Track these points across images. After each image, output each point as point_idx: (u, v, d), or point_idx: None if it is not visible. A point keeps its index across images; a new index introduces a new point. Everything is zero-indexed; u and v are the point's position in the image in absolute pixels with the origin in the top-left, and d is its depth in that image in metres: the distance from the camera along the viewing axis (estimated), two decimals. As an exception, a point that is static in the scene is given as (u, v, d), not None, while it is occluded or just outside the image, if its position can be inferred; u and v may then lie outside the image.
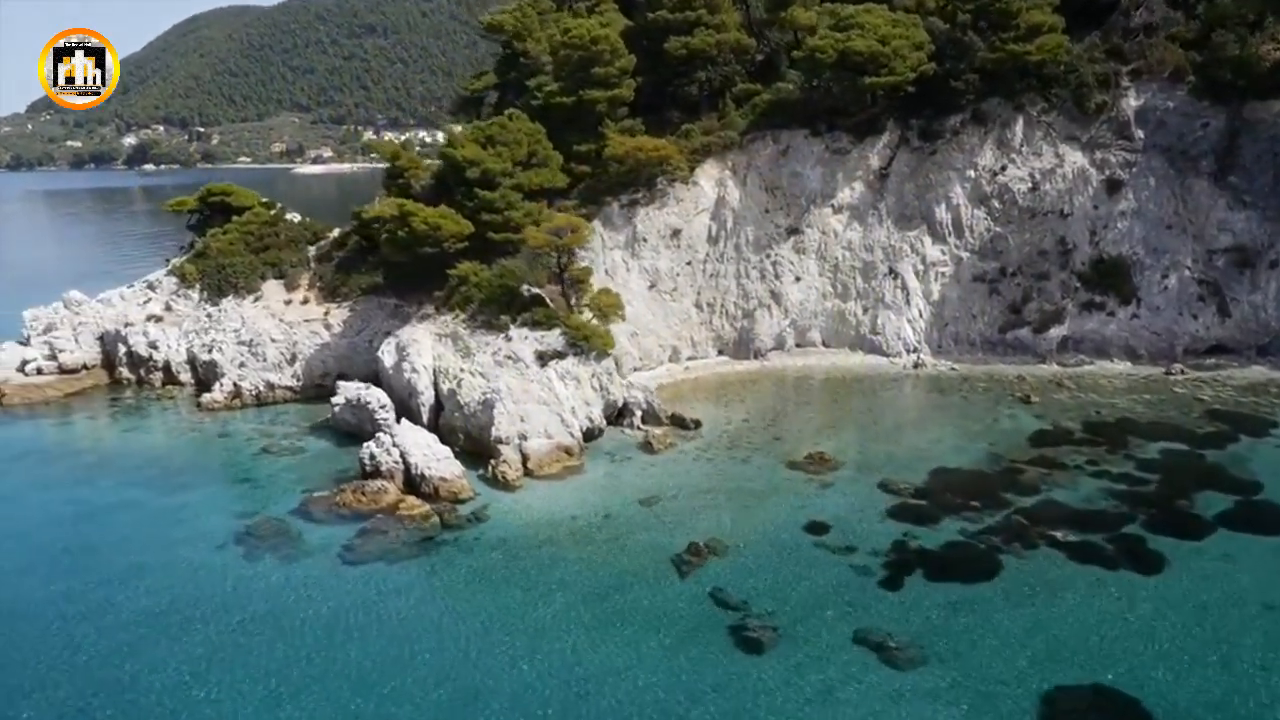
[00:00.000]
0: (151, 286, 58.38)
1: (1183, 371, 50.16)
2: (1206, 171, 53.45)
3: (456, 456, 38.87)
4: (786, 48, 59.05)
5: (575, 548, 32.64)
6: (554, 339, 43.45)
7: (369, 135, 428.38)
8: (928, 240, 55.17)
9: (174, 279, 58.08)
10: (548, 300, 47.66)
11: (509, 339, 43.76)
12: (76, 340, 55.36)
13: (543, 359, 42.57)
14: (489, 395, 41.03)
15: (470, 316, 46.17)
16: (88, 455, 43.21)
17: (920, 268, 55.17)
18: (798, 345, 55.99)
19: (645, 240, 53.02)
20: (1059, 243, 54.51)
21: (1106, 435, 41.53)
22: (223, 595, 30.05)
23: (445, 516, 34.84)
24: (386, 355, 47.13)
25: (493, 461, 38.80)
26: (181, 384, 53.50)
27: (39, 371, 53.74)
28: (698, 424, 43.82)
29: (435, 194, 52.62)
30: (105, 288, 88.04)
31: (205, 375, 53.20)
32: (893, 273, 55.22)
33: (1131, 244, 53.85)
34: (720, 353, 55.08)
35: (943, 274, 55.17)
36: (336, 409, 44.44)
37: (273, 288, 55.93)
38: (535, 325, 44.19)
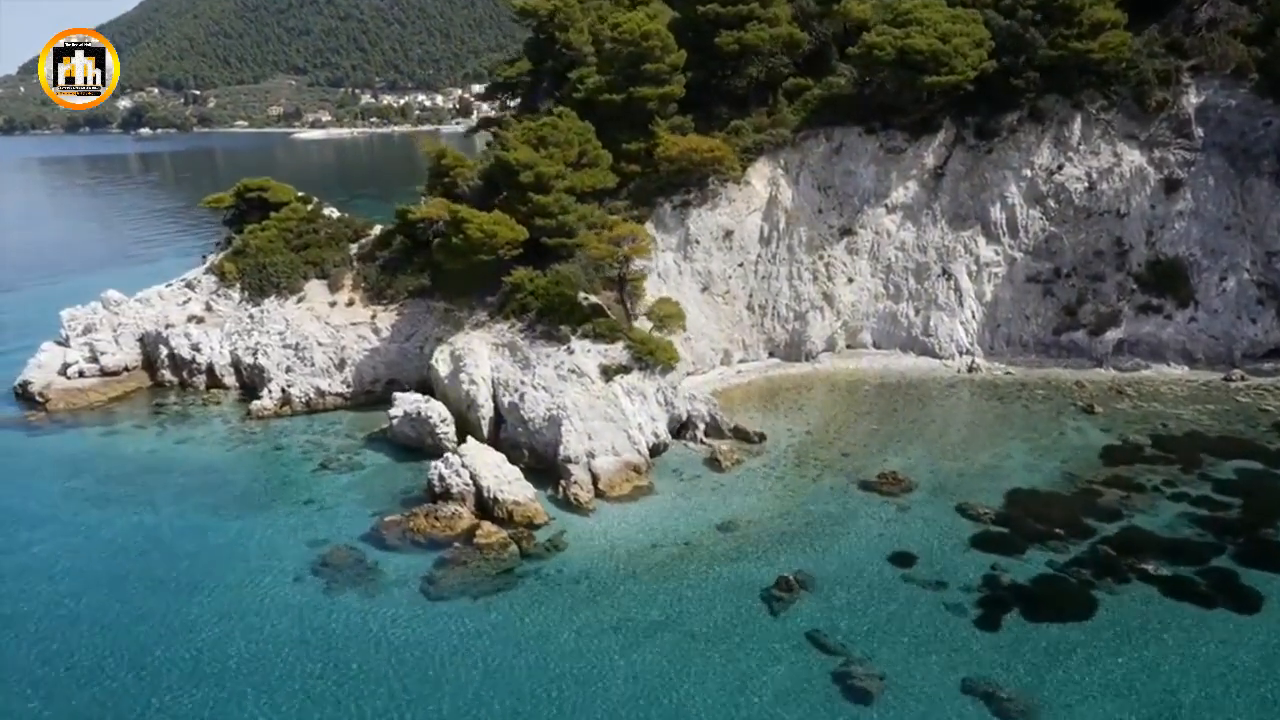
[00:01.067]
0: (190, 285, 57.31)
1: (1243, 378, 49.59)
2: (1268, 171, 52.46)
3: (524, 474, 38.41)
4: (835, 38, 57.58)
5: (662, 581, 32.19)
6: (618, 352, 42.72)
7: (367, 98, 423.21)
8: (981, 240, 54.29)
9: (213, 278, 57.01)
10: (605, 308, 46.90)
11: (571, 351, 42.99)
12: (117, 342, 54.48)
13: (607, 373, 41.87)
14: (555, 412, 40.42)
15: (528, 326, 45.35)
16: (142, 471, 42.44)
17: (974, 268, 54.35)
18: (848, 347, 55.37)
19: (698, 242, 52.06)
20: (1115, 243, 53.67)
21: (1177, 452, 41.07)
22: (309, 637, 29.61)
23: (523, 544, 34.40)
24: (441, 364, 46.40)
25: (563, 482, 38.30)
26: (226, 387, 52.78)
27: (81, 374, 52.93)
28: (762, 437, 43.29)
29: (483, 195, 51.54)
30: (126, 273, 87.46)
31: (250, 379, 52.48)
32: (946, 273, 54.41)
33: (1189, 245, 53.03)
34: (771, 355, 54.43)
35: (995, 274, 54.38)
36: (394, 421, 43.79)
37: (315, 288, 54.93)
38: (597, 337, 43.42)
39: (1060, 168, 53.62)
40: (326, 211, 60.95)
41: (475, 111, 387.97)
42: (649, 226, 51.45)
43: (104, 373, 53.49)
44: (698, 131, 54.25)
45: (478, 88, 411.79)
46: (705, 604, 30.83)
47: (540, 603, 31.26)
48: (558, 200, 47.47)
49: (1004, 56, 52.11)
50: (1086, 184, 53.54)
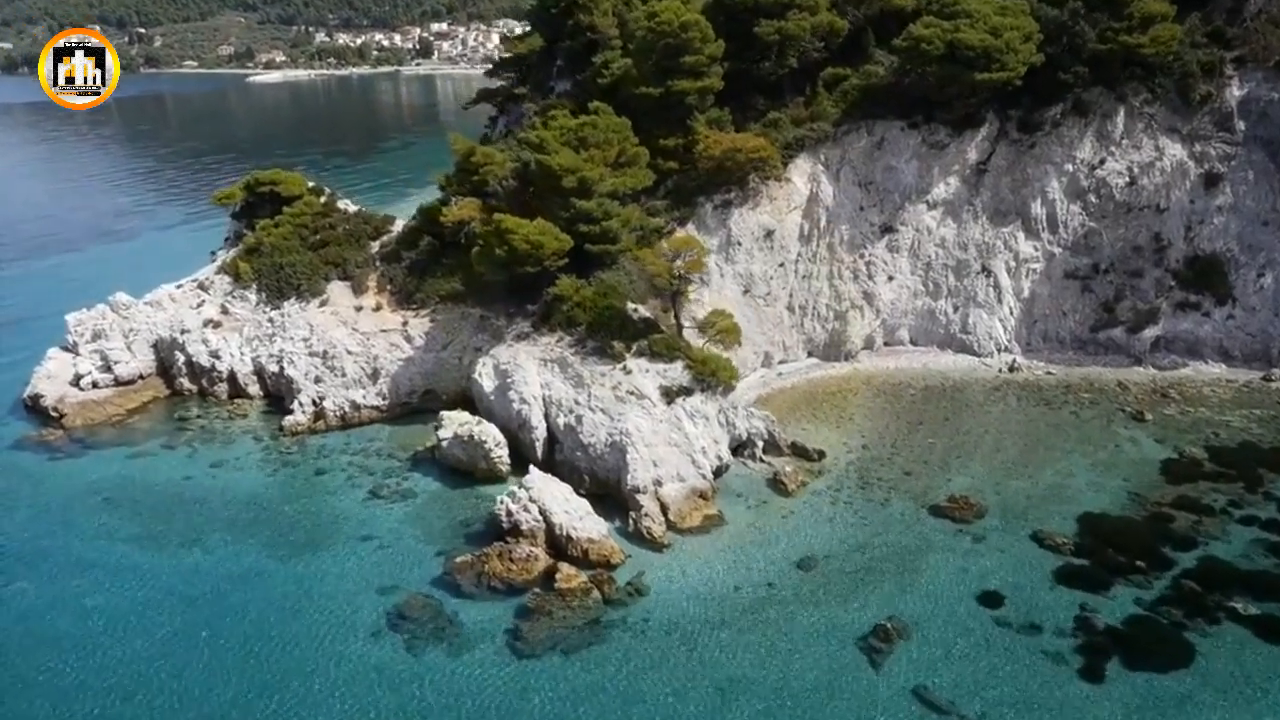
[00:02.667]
0: (203, 287, 54.63)
1: (1281, 378, 50.00)
2: (1308, 167, 52.20)
3: (587, 500, 37.50)
4: (871, 23, 55.61)
5: (753, 631, 31.64)
6: (677, 372, 41.53)
7: (321, 37, 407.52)
8: (1021, 236, 53.54)
9: (226, 278, 54.39)
10: (651, 315, 45.55)
11: (627, 371, 41.70)
12: (130, 349, 51.97)
13: (668, 395, 40.73)
14: (618, 438, 39.29)
15: (578, 341, 43.90)
16: (181, 503, 40.56)
17: (1012, 264, 53.70)
18: (885, 344, 54.74)
19: (739, 243, 50.60)
20: (1154, 239, 53.26)
21: (1235, 466, 41.24)
22: (399, 708, 28.63)
23: (604, 589, 33.57)
24: (485, 379, 44.92)
25: (633, 514, 37.40)
26: (250, 397, 50.72)
27: (95, 385, 50.53)
28: (821, 454, 42.65)
29: (517, 196, 49.46)
30: (109, 251, 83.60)
31: (275, 388, 50.49)
32: (985, 270, 53.69)
33: (1226, 241, 52.80)
34: (810, 355, 53.61)
35: (1034, 270, 53.80)
36: (444, 443, 42.35)
37: (338, 290, 52.64)
38: (654, 356, 42.15)
39: (1102, 162, 52.77)
40: (342, 205, 58.00)
41: (436, 53, 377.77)
42: (690, 228, 49.90)
43: (118, 382, 51.13)
44: (734, 124, 52.53)
45: (437, 26, 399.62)
46: (803, 657, 30.39)
47: (634, 659, 30.57)
48: (601, 205, 45.63)
49: (1051, 49, 50.69)
50: (1127, 179, 52.83)
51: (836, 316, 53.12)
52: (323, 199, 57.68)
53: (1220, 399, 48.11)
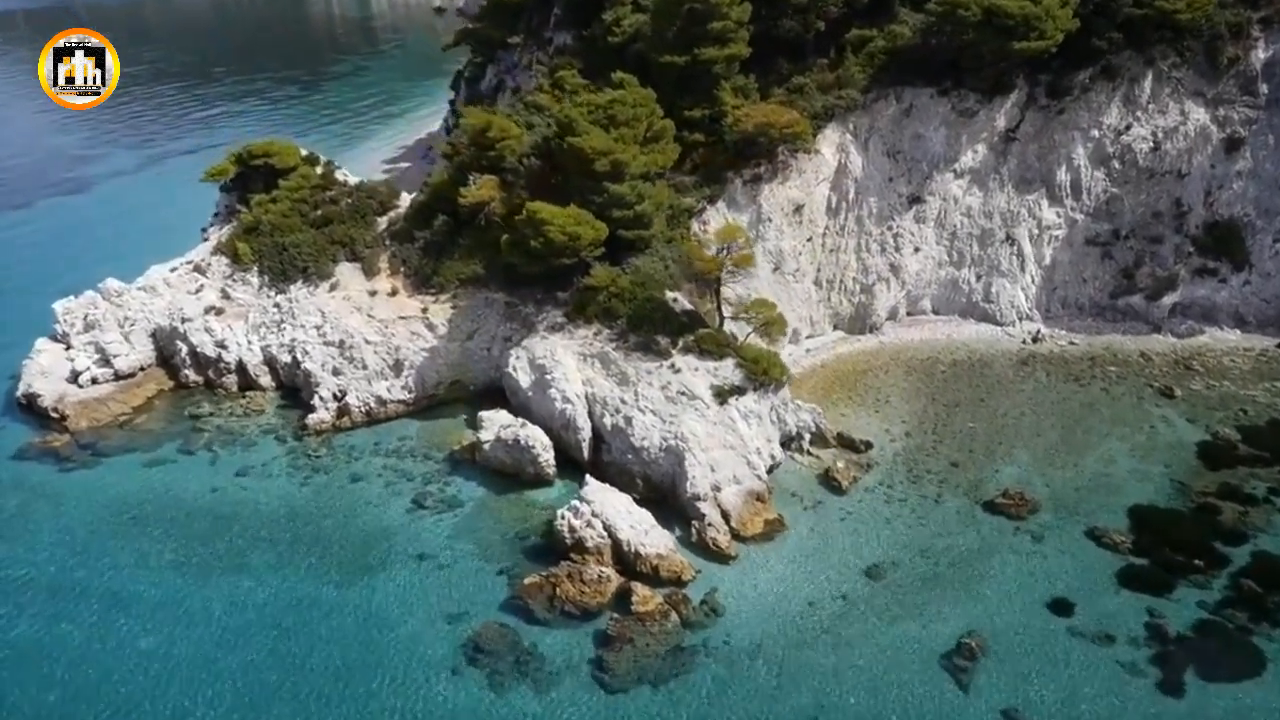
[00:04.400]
0: (200, 269, 51.40)
1: (1297, 345, 51.00)
2: (1328, 131, 52.21)
3: (648, 513, 36.90)
4: (896, -23, 53.21)
5: (836, 652, 31.72)
6: (728, 371, 40.54)
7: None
8: (1045, 203, 52.97)
9: (224, 260, 51.21)
10: (691, 305, 44.26)
11: (676, 370, 40.61)
12: (128, 339, 48.97)
13: (720, 395, 39.83)
14: (673, 442, 38.44)
15: (619, 335, 42.53)
16: (216, 520, 38.75)
17: (1035, 231, 53.28)
18: (908, 314, 54.34)
19: (770, 220, 49.10)
20: (1174, 204, 53.16)
21: (1268, 447, 42.10)
22: (502, 752, 28.36)
23: (681, 610, 33.25)
24: (520, 374, 43.46)
25: (696, 524, 36.91)
26: (262, 388, 48.44)
27: (94, 381, 47.72)
28: (868, 445, 42.48)
29: (540, 177, 47.04)
30: (65, 211, 78.18)
31: (289, 378, 48.29)
32: (1009, 239, 53.20)
33: (1244, 205, 52.93)
34: (835, 328, 53.00)
35: (1055, 237, 53.49)
36: (486, 446, 41.10)
37: (349, 273, 49.99)
38: (703, 353, 41.04)
39: (1128, 128, 52.06)
40: (340, 176, 54.66)
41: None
42: (720, 206, 48.23)
43: (118, 376, 48.40)
44: (759, 91, 50.36)
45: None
46: (890, 679, 30.63)
47: (723, 688, 30.50)
48: (634, 188, 43.66)
49: (1086, 13, 49.19)
50: (1151, 144, 52.29)
51: (863, 290, 52.39)
52: (319, 169, 54.24)
53: (1241, 370, 48.93)
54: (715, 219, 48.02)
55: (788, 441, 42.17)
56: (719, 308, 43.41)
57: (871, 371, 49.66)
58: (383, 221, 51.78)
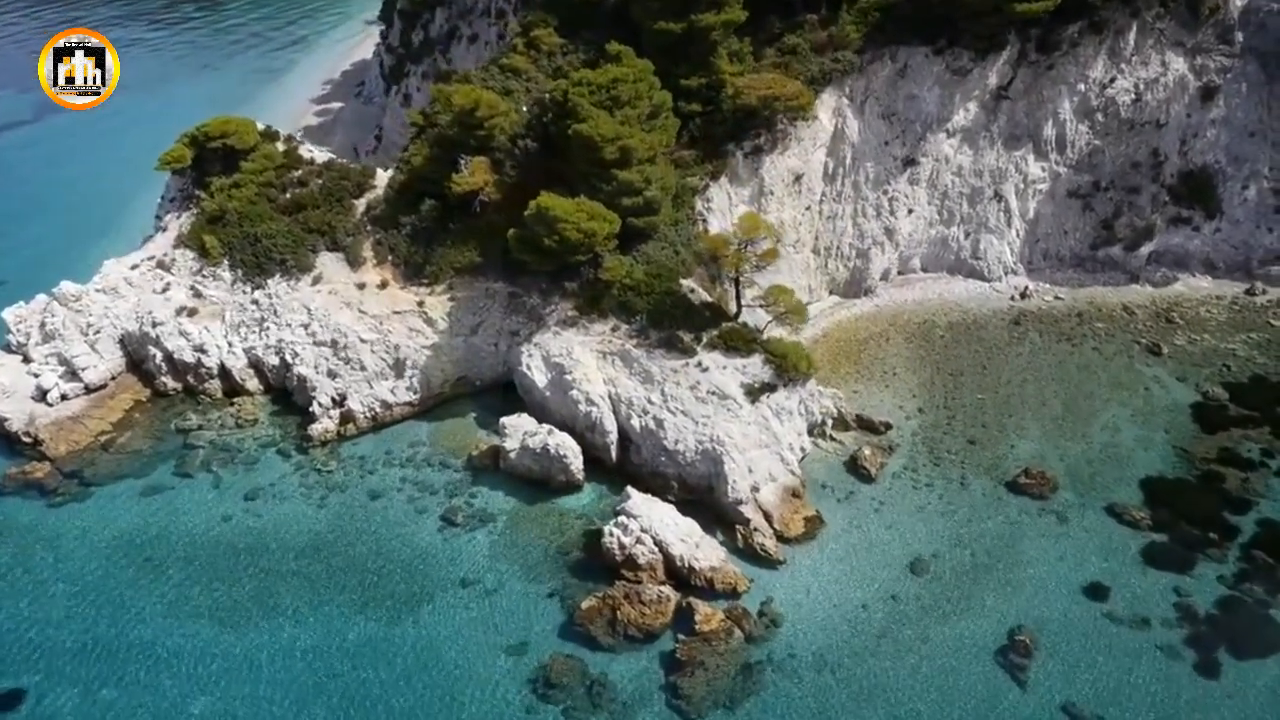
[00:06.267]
0: (164, 266, 47.43)
1: (1264, 291, 53.29)
2: (1298, 79, 53.48)
3: (694, 523, 36.87)
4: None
5: (897, 657, 32.70)
6: (757, 368, 40.03)
7: None
8: (1031, 159, 53.19)
9: (189, 254, 47.36)
10: (709, 297, 43.28)
11: (703, 368, 39.90)
12: (94, 348, 45.32)
13: (752, 394, 39.42)
14: (709, 445, 38.11)
15: (639, 331, 41.39)
16: (235, 554, 36.98)
17: (1021, 186, 53.64)
18: (899, 273, 54.54)
19: (772, 193, 47.96)
20: (1151, 154, 54.07)
21: (1255, 405, 44.38)
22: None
23: (743, 624, 33.63)
24: (536, 373, 42.14)
25: (741, 530, 37.04)
26: (249, 393, 45.78)
27: (63, 398, 44.22)
28: (887, 426, 43.07)
29: (538, 158, 44.57)
30: None
31: (277, 380, 45.76)
32: (997, 195, 53.47)
33: (1216, 153, 54.26)
34: (831, 293, 52.88)
35: (1039, 190, 54.01)
36: (512, 454, 40.02)
37: (331, 264, 46.95)
38: (729, 350, 40.34)
39: (1112, 80, 52.22)
40: (305, 152, 50.66)
41: None
42: (723, 182, 46.75)
43: (88, 389, 44.95)
44: (753, 54, 48.35)
45: None
46: (953, 681, 31.84)
47: (797, 706, 31.25)
48: (642, 173, 41.85)
49: (1081, -35, 48.43)
50: (1134, 95, 52.68)
51: (859, 254, 52.18)
52: (280, 145, 50.15)
53: (1218, 322, 51.08)
54: (718, 196, 46.64)
55: (811, 428, 42.32)
56: (738, 297, 42.54)
57: (873, 340, 49.96)
58: (360, 204, 48.52)
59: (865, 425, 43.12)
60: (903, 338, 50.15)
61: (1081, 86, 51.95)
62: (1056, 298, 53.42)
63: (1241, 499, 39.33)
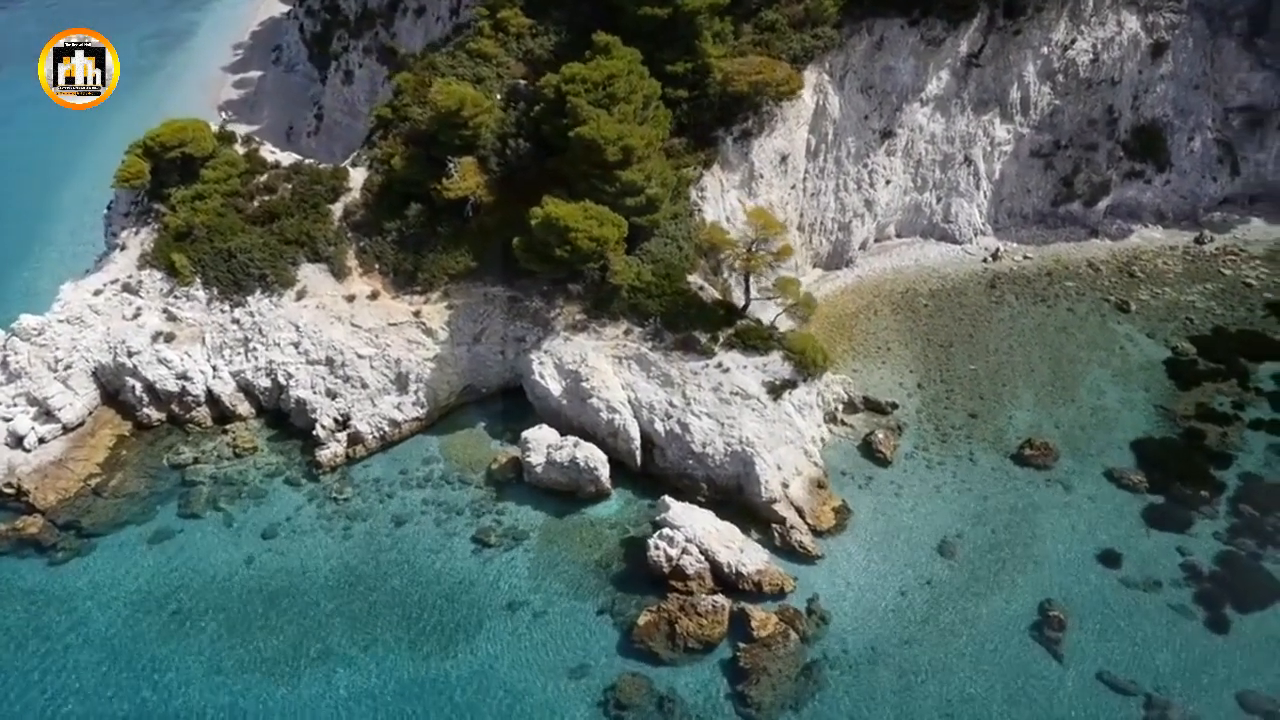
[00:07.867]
0: (130, 289, 44.35)
1: (1211, 239, 56.42)
2: (1238, 33, 55.89)
3: (734, 527, 37.63)
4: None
5: (942, 643, 34.35)
6: (777, 365, 40.42)
7: None
8: (998, 122, 54.47)
9: (158, 274, 44.40)
10: (717, 293, 43.22)
11: (724, 369, 40.10)
12: (67, 384, 42.41)
13: (774, 391, 39.91)
14: (738, 446, 38.63)
15: (653, 334, 41.16)
16: (268, 600, 35.79)
17: (989, 149, 54.94)
18: (875, 240, 55.50)
19: (761, 176, 47.83)
20: (1107, 111, 56.05)
21: (1220, 358, 47.45)
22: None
23: (797, 625, 34.71)
24: (549, 380, 41.67)
25: (777, 528, 37.92)
26: (242, 417, 43.79)
27: (41, 441, 41.44)
28: (893, 406, 44.40)
29: (531, 158, 43.15)
30: None
31: (269, 402, 43.92)
32: (967, 159, 54.73)
33: (1164, 107, 56.59)
34: (815, 266, 53.50)
35: (1004, 152, 55.45)
36: (537, 468, 39.70)
37: (315, 276, 44.79)
38: (748, 348, 40.56)
39: (1073, 42, 53.65)
40: (267, 153, 47.62)
41: None
42: (715, 170, 46.29)
43: (66, 429, 42.21)
44: (733, 33, 47.50)
45: None
46: (996, 660, 33.78)
47: (860, 702, 32.68)
48: (643, 170, 41.10)
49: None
50: (1092, 55, 54.24)
51: (840, 227, 52.82)
52: (240, 148, 47.06)
53: (1175, 273, 54.04)
54: (710, 183, 46.21)
55: (826, 417, 43.24)
56: (746, 291, 42.62)
57: (862, 314, 51.00)
58: (337, 209, 46.15)
59: (872, 406, 44.33)
60: (889, 309, 51.36)
61: (1045, 50, 53.14)
62: (1025, 257, 55.41)
63: (1223, 454, 42.33)
